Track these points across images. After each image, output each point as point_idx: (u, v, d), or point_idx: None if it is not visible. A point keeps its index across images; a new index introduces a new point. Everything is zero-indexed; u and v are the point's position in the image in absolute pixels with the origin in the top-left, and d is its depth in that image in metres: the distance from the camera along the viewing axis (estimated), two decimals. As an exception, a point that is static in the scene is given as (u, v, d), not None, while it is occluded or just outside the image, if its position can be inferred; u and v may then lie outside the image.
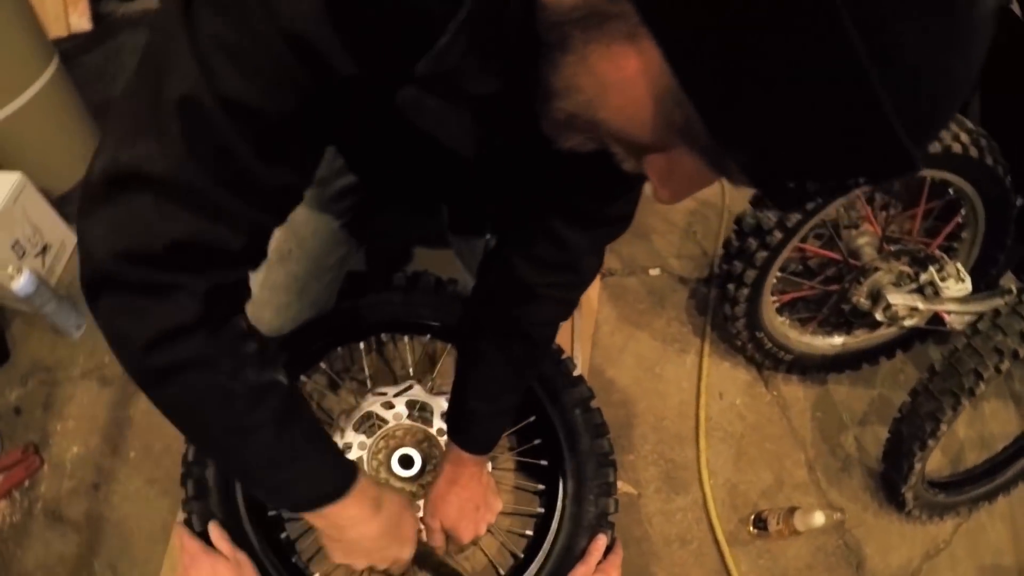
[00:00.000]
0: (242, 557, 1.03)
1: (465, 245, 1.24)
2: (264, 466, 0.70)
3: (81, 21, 1.99)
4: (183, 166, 0.50)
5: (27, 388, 1.41)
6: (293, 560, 1.15)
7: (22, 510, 1.29)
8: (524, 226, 0.86)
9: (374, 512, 0.81)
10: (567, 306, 0.93)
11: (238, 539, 1.09)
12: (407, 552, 0.91)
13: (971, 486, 1.52)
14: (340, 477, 0.77)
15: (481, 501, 1.07)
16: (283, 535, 1.18)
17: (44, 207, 1.49)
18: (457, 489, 1.05)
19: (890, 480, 1.46)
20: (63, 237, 1.55)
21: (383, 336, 1.38)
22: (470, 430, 1.01)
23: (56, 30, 1.91)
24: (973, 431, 1.68)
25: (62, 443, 1.35)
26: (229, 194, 0.53)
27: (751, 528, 1.39)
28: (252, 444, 0.68)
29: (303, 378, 1.31)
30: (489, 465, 1.14)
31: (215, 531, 1.05)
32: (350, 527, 0.80)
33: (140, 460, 1.33)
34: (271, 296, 1.09)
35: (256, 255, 0.63)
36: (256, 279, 1.07)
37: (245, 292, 0.68)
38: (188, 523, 1.09)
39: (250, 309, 1.08)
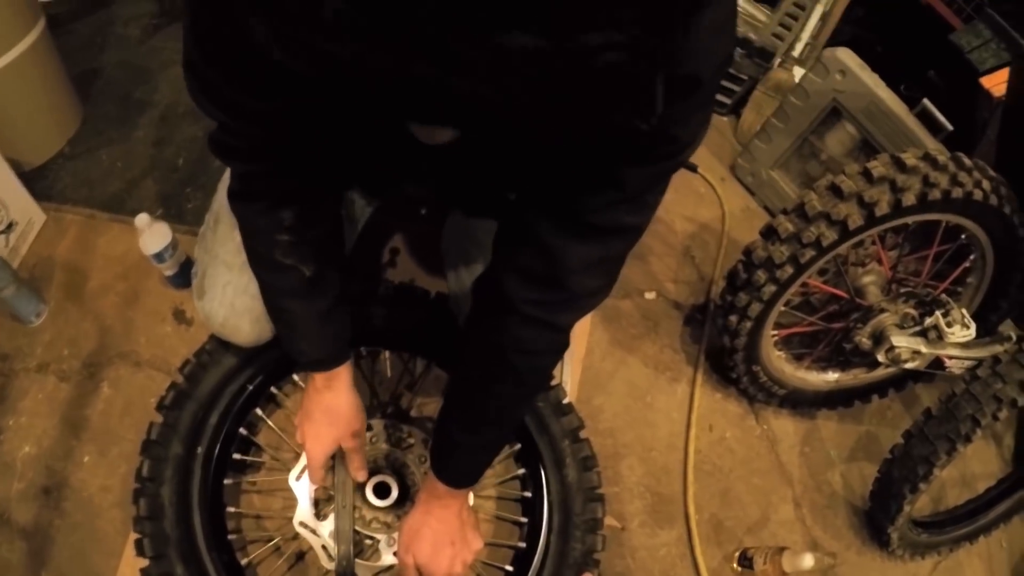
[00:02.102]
0: None
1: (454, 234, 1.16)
2: (272, 310, 0.93)
3: (71, -16, 1.87)
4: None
5: (-22, 378, 1.32)
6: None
7: (-34, 512, 1.20)
8: (510, 230, 0.79)
9: (310, 401, 0.98)
10: (553, 333, 0.82)
11: (194, 563, 1.02)
12: (310, 452, 1.00)
13: (953, 527, 1.51)
14: (307, 358, 0.94)
15: (458, 537, 0.99)
16: (245, 560, 1.11)
17: (12, 181, 1.38)
18: (432, 522, 0.97)
19: (876, 520, 1.44)
20: (31, 215, 1.45)
21: (363, 350, 1.31)
22: (450, 462, 0.95)
23: (45, -9, 1.80)
24: (955, 470, 1.66)
25: (13, 440, 1.26)
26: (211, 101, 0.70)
27: (735, 566, 1.35)
28: (266, 294, 0.92)
29: (273, 389, 1.23)
30: (471, 498, 1.07)
31: None
32: (305, 396, 1.00)
33: (94, 465, 1.25)
34: (251, 304, 1.01)
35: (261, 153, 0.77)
36: (230, 284, 1.00)
37: (283, 186, 0.82)
38: (139, 546, 1.02)
39: (225, 315, 1.02)
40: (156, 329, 1.39)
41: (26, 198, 1.43)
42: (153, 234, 1.30)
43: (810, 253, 1.21)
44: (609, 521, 1.29)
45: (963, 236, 1.34)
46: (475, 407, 0.89)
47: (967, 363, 1.36)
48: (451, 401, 0.96)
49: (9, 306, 1.32)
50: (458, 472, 0.95)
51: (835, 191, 1.20)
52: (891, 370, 1.48)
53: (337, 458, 1.04)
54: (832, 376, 1.54)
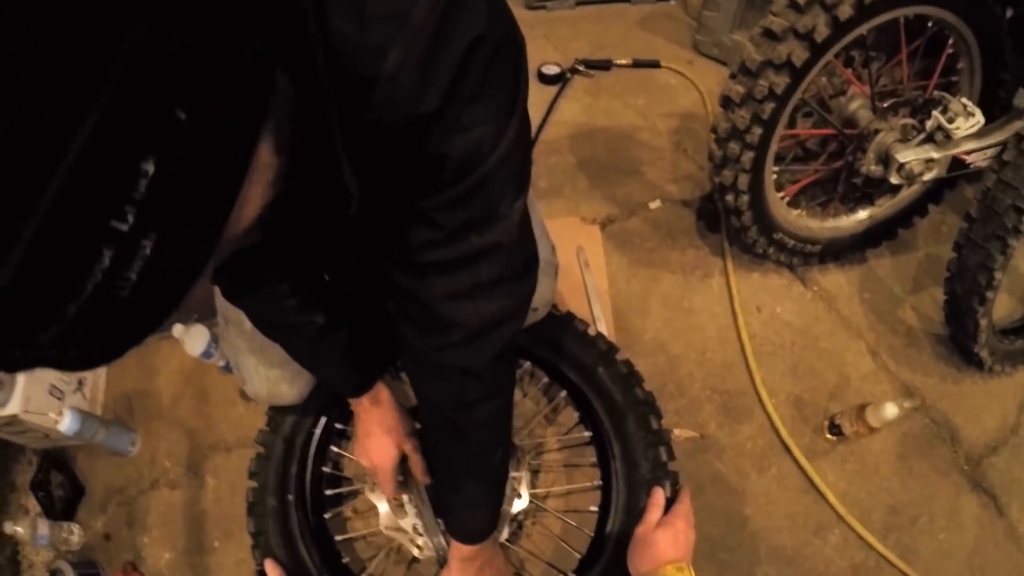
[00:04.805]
0: None
1: None
2: (303, 362, 1.05)
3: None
4: None
5: (108, 514, 1.48)
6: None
7: (135, 626, 1.35)
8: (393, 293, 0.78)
9: (363, 423, 1.12)
10: (472, 378, 0.80)
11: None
12: (372, 467, 1.12)
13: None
14: (347, 387, 1.07)
15: None
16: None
17: (67, 344, 1.54)
18: None
19: (960, 342, 1.37)
20: (94, 364, 1.61)
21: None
22: (451, 521, 1.02)
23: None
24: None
25: (154, 553, 1.41)
26: None
27: (828, 435, 1.32)
28: (294, 352, 1.02)
29: (338, 424, 1.32)
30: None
31: (269, 567, 1.13)
32: (357, 421, 1.14)
33: (224, 546, 1.38)
34: (282, 372, 1.12)
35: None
36: (260, 364, 1.12)
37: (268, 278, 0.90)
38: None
39: (268, 389, 1.14)
40: (231, 413, 1.52)
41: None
42: (193, 337, 1.43)
43: (770, 106, 1.18)
44: (685, 433, 1.31)
45: (930, 24, 1.27)
46: (447, 469, 0.98)
47: (990, 151, 1.28)
48: (431, 466, 1.10)
49: (106, 447, 1.48)
50: (462, 530, 0.99)
51: (769, 35, 1.17)
52: (916, 188, 1.42)
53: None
54: (863, 214, 1.48)
